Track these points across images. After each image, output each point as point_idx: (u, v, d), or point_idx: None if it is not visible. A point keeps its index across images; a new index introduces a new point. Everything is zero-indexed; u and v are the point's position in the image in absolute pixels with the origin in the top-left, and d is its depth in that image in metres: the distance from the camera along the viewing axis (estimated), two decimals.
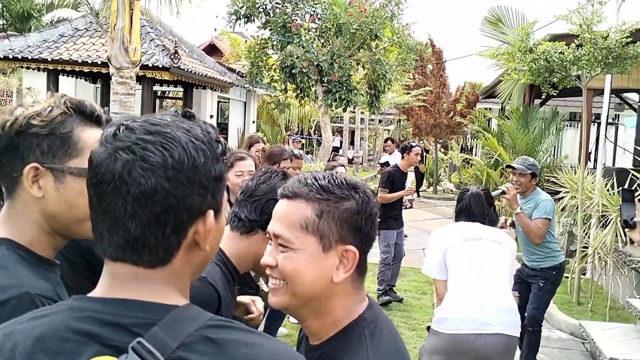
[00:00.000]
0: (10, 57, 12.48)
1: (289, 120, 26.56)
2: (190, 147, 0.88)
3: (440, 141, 24.53)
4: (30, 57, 12.44)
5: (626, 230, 2.76)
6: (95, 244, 0.90)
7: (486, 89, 19.09)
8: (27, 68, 13.33)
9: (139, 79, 12.66)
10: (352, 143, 28.99)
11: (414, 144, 6.80)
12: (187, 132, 0.89)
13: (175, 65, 11.68)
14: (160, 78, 12.22)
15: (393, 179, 6.71)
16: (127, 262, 0.88)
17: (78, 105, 1.27)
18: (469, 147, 27.49)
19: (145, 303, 0.86)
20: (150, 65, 11.84)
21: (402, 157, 6.90)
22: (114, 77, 6.76)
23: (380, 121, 34.70)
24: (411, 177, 12.52)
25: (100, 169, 0.86)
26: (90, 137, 1.25)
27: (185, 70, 12.24)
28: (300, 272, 1.19)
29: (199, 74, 13.03)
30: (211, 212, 0.92)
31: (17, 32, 15.09)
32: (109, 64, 6.78)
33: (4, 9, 16.50)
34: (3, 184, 1.25)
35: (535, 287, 4.79)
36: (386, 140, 13.86)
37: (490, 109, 21.91)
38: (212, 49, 30.21)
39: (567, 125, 19.24)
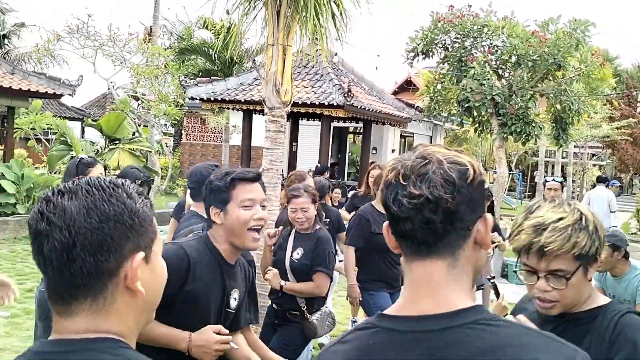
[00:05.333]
0: (212, 99, 14.23)
1: (482, 153, 25.89)
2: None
3: None
4: (227, 99, 14.04)
5: None
6: None
7: None
8: (227, 108, 15.04)
9: (318, 116, 13.59)
10: None
11: (548, 179, 6.42)
12: None
13: (348, 103, 12.31)
14: (336, 115, 12.96)
15: None
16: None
17: None
18: None
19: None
20: (326, 103, 12.63)
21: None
22: (267, 116, 7.41)
23: (593, 155, 32.10)
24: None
25: None
26: None
27: (359, 107, 12.83)
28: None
29: (372, 110, 13.53)
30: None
31: (224, 76, 17.11)
32: (264, 105, 7.47)
33: (216, 57, 18.88)
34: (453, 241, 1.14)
35: None
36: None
37: None
38: (408, 84, 30.99)
39: None
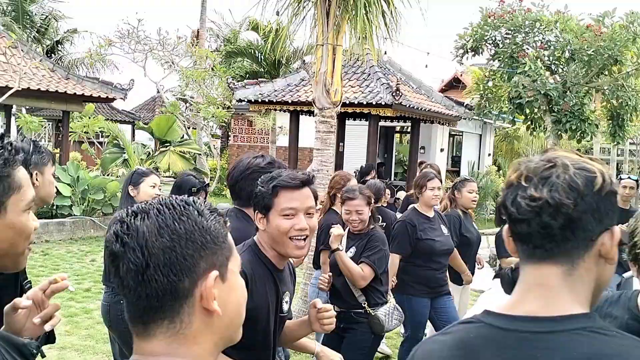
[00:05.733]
0: (260, 100, 14.31)
1: (534, 152, 25.28)
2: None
3: None
4: (274, 100, 14.10)
5: None
6: None
7: None
8: (274, 110, 15.10)
9: (365, 115, 13.49)
10: None
11: (623, 177, 6.19)
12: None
13: (397, 102, 12.18)
14: (384, 114, 12.84)
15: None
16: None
17: None
18: None
19: None
20: (374, 102, 12.53)
21: None
22: (317, 116, 7.37)
23: None
24: None
25: None
26: None
27: (407, 106, 12.67)
28: None
29: (421, 109, 13.34)
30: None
31: (271, 78, 17.20)
32: (313, 105, 7.44)
33: (262, 58, 19.01)
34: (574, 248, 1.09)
35: None
36: None
37: None
38: (456, 82, 30.52)
39: None
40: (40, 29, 21.50)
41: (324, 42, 7.37)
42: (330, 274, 4.06)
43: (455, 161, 19.91)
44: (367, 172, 10.23)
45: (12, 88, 10.66)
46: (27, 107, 18.85)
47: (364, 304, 3.94)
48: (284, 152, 19.04)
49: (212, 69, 16.37)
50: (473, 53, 14.17)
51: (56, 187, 2.78)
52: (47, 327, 1.57)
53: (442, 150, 17.69)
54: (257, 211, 2.27)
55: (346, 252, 4.05)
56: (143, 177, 4.08)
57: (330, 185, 5.18)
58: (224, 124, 20.00)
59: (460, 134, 19.73)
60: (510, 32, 13.70)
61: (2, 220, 1.27)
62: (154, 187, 4.08)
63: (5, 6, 20.00)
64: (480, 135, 20.33)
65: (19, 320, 1.55)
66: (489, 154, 20.90)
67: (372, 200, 4.18)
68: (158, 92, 23.81)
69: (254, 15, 19.82)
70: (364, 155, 14.17)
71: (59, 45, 22.83)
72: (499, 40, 14.01)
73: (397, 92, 12.15)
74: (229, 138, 24.44)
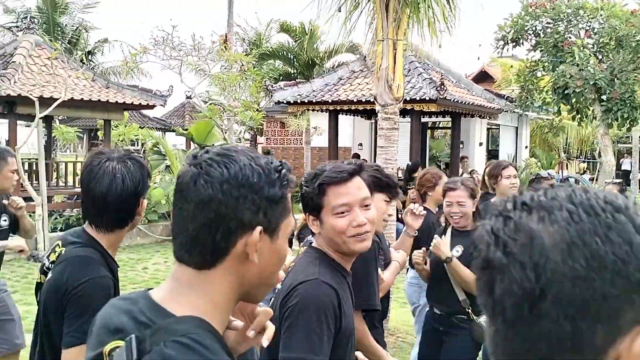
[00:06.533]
0: (299, 101, 14.21)
1: (567, 143, 24.88)
2: (247, 168, 1.05)
3: None
4: (314, 101, 13.99)
5: None
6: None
7: None
8: (313, 110, 15.00)
9: (408, 112, 13.30)
10: None
11: None
12: (250, 158, 1.07)
13: (442, 97, 12.00)
14: (427, 110, 12.66)
15: None
16: (182, 263, 1.08)
17: None
18: None
19: (162, 309, 1.05)
20: (417, 98, 12.35)
21: None
22: (380, 113, 7.24)
23: None
24: None
25: (178, 180, 1.09)
26: None
27: (452, 100, 12.49)
28: None
29: (465, 103, 13.15)
30: (259, 228, 1.06)
31: (304, 79, 17.09)
32: (375, 102, 7.30)
33: (294, 59, 18.93)
34: None
35: None
36: None
37: None
38: (483, 76, 30.10)
39: None
40: (72, 39, 21.63)
41: (384, 37, 7.23)
42: (424, 249, 3.86)
43: (493, 155, 19.61)
44: (414, 169, 10.16)
45: (57, 99, 10.65)
46: (60, 117, 18.93)
47: (468, 308, 3.75)
48: (318, 153, 18.92)
49: (244, 72, 16.30)
50: (514, 44, 13.94)
51: None
52: (264, 342, 1.39)
53: (480, 144, 17.45)
54: (307, 213, 2.05)
55: (451, 251, 3.86)
56: None
57: (420, 183, 4.90)
58: (259, 127, 19.99)
59: (497, 127, 19.46)
60: (552, 21, 13.44)
61: (273, 245, 1.13)
62: None
63: (37, 18, 20.13)
64: (517, 127, 20.04)
65: (229, 337, 1.39)
66: (526, 147, 20.60)
67: (476, 194, 3.98)
68: (187, 98, 23.81)
69: (311, 11, 19.68)
70: (401, 151, 13.96)
71: (89, 56, 22.94)
72: (540, 30, 13.76)
73: (442, 87, 11.96)
74: (256, 141, 24.38)
